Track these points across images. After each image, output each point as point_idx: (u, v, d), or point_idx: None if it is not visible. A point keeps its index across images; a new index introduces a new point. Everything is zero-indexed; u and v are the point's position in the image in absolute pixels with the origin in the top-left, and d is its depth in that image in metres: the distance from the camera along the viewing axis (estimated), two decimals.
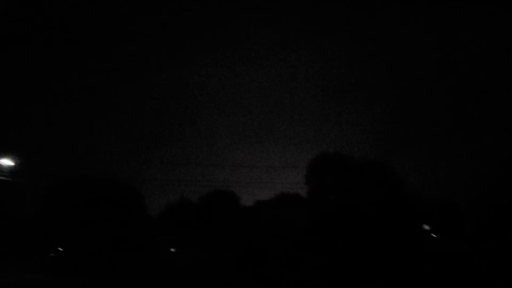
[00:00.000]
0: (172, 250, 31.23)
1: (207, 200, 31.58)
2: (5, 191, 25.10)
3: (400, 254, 26.16)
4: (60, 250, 28.14)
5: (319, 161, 30.88)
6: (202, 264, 28.04)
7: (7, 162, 24.33)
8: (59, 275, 24.29)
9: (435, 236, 30.68)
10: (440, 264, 25.02)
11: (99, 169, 31.12)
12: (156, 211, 32.66)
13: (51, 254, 27.74)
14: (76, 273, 24.73)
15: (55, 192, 28.73)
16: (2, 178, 23.08)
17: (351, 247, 27.18)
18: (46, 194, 28.89)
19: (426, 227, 30.79)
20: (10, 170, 24.75)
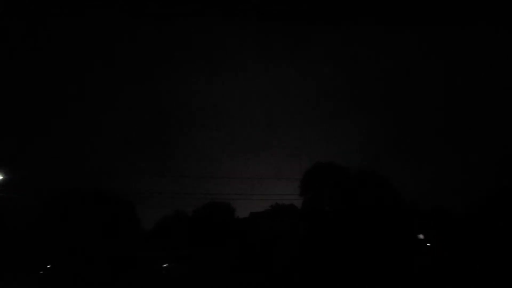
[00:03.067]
0: (165, 265, 30.53)
1: (202, 212, 31.16)
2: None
3: (396, 264, 26.02)
4: (49, 268, 27.32)
5: (313, 172, 30.84)
6: (196, 279, 27.45)
7: None
8: None
9: (429, 245, 30.65)
10: (434, 274, 24.90)
11: (92, 182, 30.53)
12: (151, 225, 32.12)
13: (41, 272, 26.91)
14: None
15: (47, 206, 28.14)
16: None
17: (347, 257, 26.96)
18: (38, 208, 28.26)
19: (421, 236, 30.77)
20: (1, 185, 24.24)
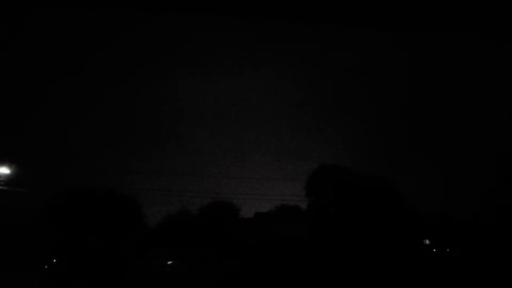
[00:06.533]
0: (169, 262, 30.64)
1: (206, 211, 31.24)
2: (2, 200, 24.62)
3: (400, 268, 26.02)
4: (54, 262, 27.47)
5: (319, 174, 30.85)
6: (199, 278, 27.54)
7: (4, 170, 24.05)
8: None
9: (435, 250, 30.70)
10: (441, 279, 24.87)
11: (98, 178, 30.62)
12: (155, 222, 32.22)
13: (46, 266, 27.06)
14: (71, 286, 24.14)
15: (53, 202, 28.24)
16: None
17: (351, 261, 26.96)
18: (44, 204, 28.37)
19: (427, 241, 30.83)
20: (7, 179, 24.42)
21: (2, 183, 24.53)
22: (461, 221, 29.62)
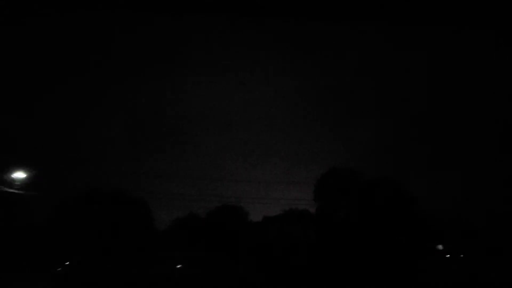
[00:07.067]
0: (178, 266, 30.88)
1: (215, 215, 31.43)
2: (17, 204, 25.37)
3: (410, 274, 25.61)
4: (68, 264, 28.06)
5: (328, 177, 30.74)
6: (207, 282, 27.68)
7: (20, 175, 24.81)
8: None
9: (448, 256, 30.03)
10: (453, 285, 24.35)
11: (108, 181, 31.16)
12: (164, 225, 32.51)
13: (59, 269, 27.67)
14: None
15: (65, 204, 28.91)
16: (14, 191, 23.43)
17: (360, 267, 26.68)
18: (57, 207, 29.07)
19: (440, 247, 30.18)
20: (22, 183, 25.16)
21: (18, 187, 25.30)
22: (474, 226, 28.96)
